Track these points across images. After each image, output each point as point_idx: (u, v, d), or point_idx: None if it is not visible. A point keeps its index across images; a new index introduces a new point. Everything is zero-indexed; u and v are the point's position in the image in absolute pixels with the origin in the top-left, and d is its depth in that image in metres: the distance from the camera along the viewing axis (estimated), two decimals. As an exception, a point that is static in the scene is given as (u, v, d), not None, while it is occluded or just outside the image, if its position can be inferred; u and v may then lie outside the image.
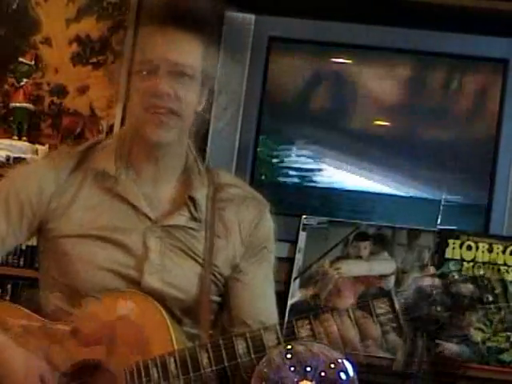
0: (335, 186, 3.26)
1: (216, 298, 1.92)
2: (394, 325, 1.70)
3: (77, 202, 1.89)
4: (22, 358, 1.77)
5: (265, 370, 1.52)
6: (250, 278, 1.92)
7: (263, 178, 3.27)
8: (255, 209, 1.95)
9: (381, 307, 1.70)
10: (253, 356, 1.70)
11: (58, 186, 1.89)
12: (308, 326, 1.70)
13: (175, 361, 1.73)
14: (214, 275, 1.89)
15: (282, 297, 2.29)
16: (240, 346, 1.72)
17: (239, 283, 1.92)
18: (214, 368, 1.72)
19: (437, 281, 1.68)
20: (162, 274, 1.85)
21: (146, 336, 1.77)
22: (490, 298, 1.65)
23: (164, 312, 1.79)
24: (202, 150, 2.00)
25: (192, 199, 1.89)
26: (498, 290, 1.64)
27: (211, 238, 1.89)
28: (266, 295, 1.96)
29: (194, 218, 1.89)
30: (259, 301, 1.94)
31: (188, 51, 1.85)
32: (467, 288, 1.67)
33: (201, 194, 1.91)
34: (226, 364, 1.72)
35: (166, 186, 1.92)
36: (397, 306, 1.69)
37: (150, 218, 1.87)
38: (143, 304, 1.80)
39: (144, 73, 1.83)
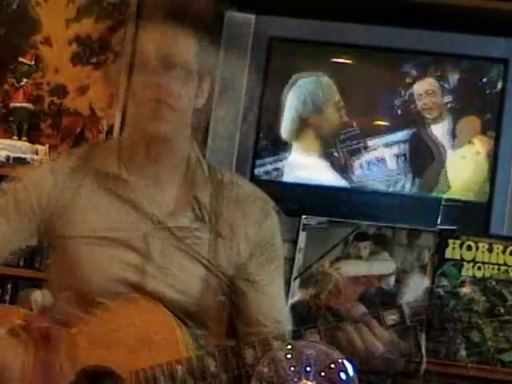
0: (336, 185, 3.26)
1: (220, 298, 1.91)
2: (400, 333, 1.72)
3: (78, 202, 1.87)
4: (21, 361, 1.75)
5: (265, 370, 1.51)
6: (262, 279, 1.91)
7: (263, 177, 3.27)
8: (259, 208, 1.93)
9: (391, 318, 1.71)
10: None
11: (57, 187, 1.88)
12: (317, 336, 1.71)
13: (183, 369, 1.72)
14: (219, 276, 1.88)
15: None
16: (248, 355, 1.71)
17: (252, 285, 1.91)
18: (222, 377, 1.72)
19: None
20: (166, 277, 1.84)
21: (153, 341, 1.75)
22: (502, 310, 1.65)
23: (171, 316, 1.78)
24: (201, 150, 1.98)
25: (196, 199, 1.88)
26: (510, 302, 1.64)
27: (215, 238, 1.87)
28: (280, 294, 1.96)
29: (198, 219, 1.87)
30: (274, 301, 1.93)
31: (179, 43, 1.83)
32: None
33: (205, 194, 1.89)
34: (234, 373, 1.71)
35: (170, 185, 1.89)
36: (407, 317, 1.70)
37: (152, 220, 1.86)
38: (150, 309, 1.79)
39: (138, 67, 1.82)
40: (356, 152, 3.26)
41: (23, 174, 1.98)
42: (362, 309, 1.73)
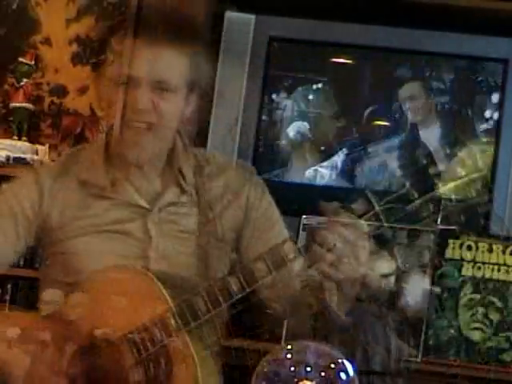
0: (337, 184, 3.26)
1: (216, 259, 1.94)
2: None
3: (70, 207, 1.91)
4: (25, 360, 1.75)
5: (265, 370, 1.52)
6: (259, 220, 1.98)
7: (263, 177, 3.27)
8: (243, 177, 2.00)
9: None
10: (247, 290, 1.74)
11: (45, 195, 1.91)
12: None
13: (173, 316, 1.75)
14: (212, 243, 1.92)
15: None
16: (234, 285, 1.74)
17: (248, 229, 1.98)
18: (212, 312, 1.75)
19: None
20: (167, 257, 1.88)
21: (139, 304, 1.78)
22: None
23: (155, 279, 1.80)
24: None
25: (181, 171, 1.93)
26: None
27: (204, 210, 1.92)
28: (278, 223, 2.02)
29: (184, 192, 1.93)
30: (273, 229, 1.99)
31: (171, 66, 1.87)
32: None
33: (188, 168, 1.94)
34: (223, 306, 1.74)
35: (154, 171, 1.94)
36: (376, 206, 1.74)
37: (146, 208, 1.91)
38: (133, 275, 1.82)
39: (126, 85, 1.86)
40: (357, 159, 3.25)
41: (12, 183, 2.00)
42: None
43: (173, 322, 1.74)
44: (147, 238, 1.89)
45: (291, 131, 3.31)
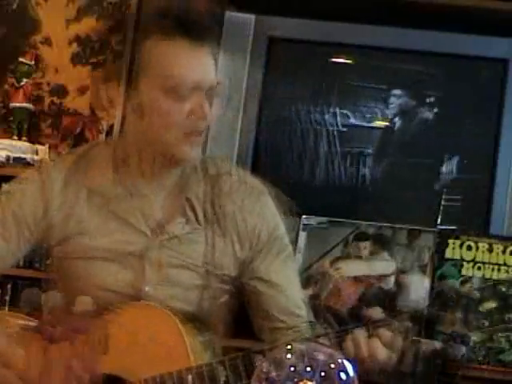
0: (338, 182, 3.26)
1: (224, 298, 1.89)
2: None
3: (73, 219, 1.84)
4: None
5: (264, 370, 1.51)
6: (273, 275, 1.88)
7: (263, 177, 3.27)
8: (255, 199, 1.90)
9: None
10: None
11: (50, 203, 1.84)
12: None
13: (193, 378, 1.69)
14: (220, 277, 1.86)
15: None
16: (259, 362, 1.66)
17: (264, 282, 1.88)
18: None
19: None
20: (162, 288, 1.82)
21: (161, 347, 1.73)
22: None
23: (177, 320, 1.75)
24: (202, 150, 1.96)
25: (189, 201, 1.84)
26: None
27: (212, 238, 1.84)
28: (293, 286, 1.92)
29: (191, 222, 1.84)
30: (288, 294, 1.90)
31: (211, 68, 1.79)
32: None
33: (198, 193, 1.85)
34: (244, 382, 1.68)
35: (162, 195, 1.86)
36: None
37: (147, 235, 1.83)
38: (156, 315, 1.77)
39: (183, 93, 1.75)
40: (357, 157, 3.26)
41: (18, 185, 1.91)
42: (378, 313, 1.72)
43: (190, 383, 1.69)
44: (143, 268, 1.82)
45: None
